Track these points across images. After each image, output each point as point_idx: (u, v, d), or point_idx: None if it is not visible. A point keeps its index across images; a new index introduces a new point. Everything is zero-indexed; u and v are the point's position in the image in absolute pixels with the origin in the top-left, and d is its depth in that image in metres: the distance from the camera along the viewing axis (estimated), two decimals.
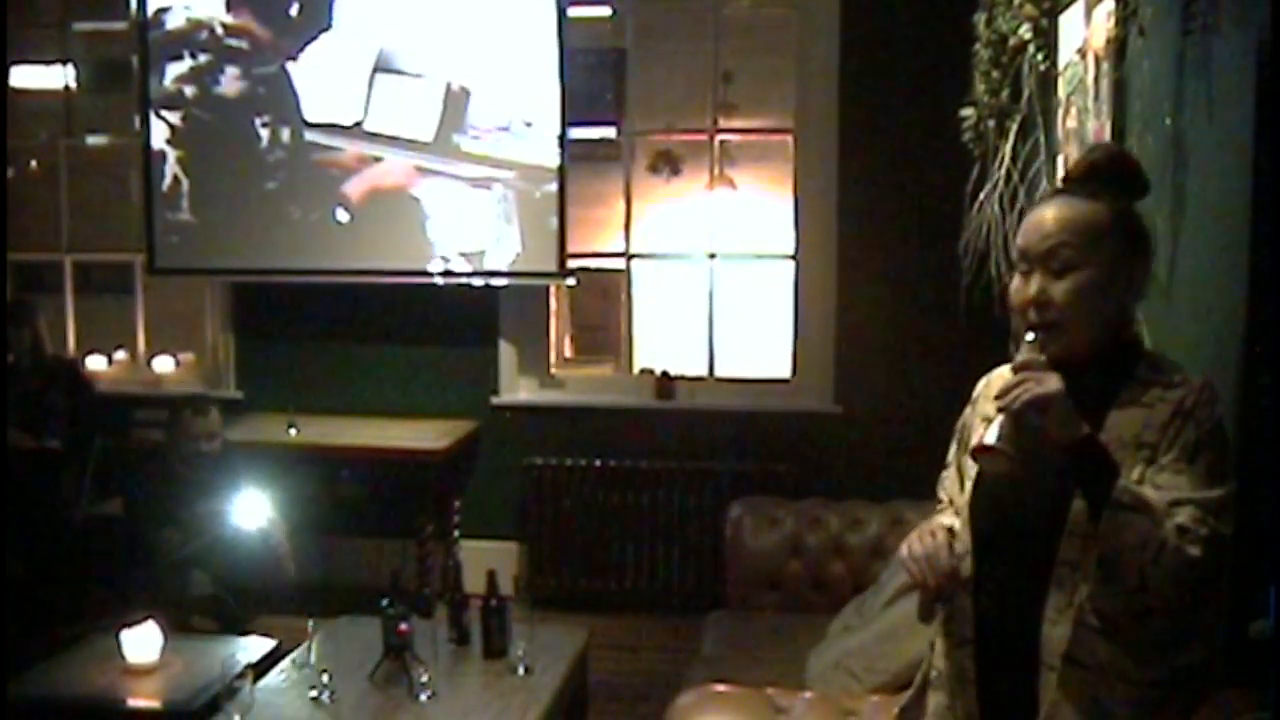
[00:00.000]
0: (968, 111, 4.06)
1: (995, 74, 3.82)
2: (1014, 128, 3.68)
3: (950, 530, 2.06)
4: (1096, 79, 2.90)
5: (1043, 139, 3.50)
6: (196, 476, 4.76)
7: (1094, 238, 1.91)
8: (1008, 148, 3.67)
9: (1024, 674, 1.92)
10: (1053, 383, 1.81)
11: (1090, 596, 1.84)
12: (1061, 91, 3.37)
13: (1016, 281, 1.98)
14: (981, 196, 3.83)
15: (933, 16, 5.23)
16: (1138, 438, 1.89)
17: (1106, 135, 2.77)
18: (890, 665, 3.03)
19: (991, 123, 3.87)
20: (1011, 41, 3.63)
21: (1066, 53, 3.29)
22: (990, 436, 1.84)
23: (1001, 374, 2.15)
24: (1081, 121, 3.08)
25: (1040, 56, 3.47)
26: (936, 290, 5.05)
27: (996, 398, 1.87)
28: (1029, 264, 1.95)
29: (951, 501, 2.20)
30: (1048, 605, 1.89)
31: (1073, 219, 1.93)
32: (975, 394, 2.22)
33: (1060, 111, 3.38)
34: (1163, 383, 1.92)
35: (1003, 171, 3.65)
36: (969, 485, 2.10)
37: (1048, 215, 1.95)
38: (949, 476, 2.24)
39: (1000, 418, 1.85)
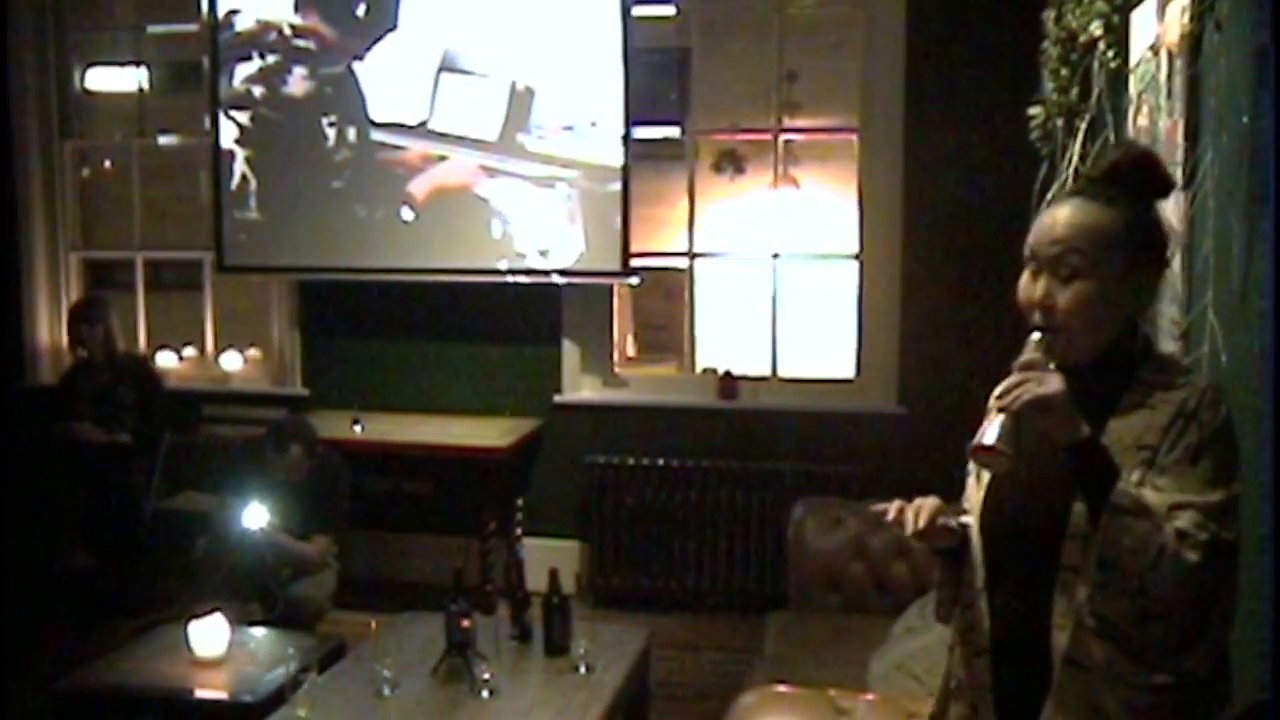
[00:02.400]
0: (1035, 110, 4.00)
1: (1064, 72, 3.77)
2: (1083, 126, 3.63)
3: (958, 521, 2.07)
4: (1170, 76, 2.85)
5: (1112, 137, 3.45)
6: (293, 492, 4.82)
7: (1105, 246, 1.87)
8: (1076, 146, 3.61)
9: (1037, 680, 1.90)
10: (1054, 383, 1.79)
11: (1089, 598, 1.82)
12: (1133, 89, 3.32)
13: (1025, 278, 1.95)
14: (1049, 196, 3.78)
15: (999, 14, 5.18)
16: (1139, 440, 1.86)
17: (1180, 133, 2.73)
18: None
19: (1060, 121, 3.82)
20: (1081, 38, 3.57)
21: (1138, 49, 3.24)
22: (989, 436, 1.82)
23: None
24: (1153, 120, 3.03)
25: (1111, 53, 3.42)
26: (1003, 290, 4.98)
27: (997, 396, 1.85)
28: (1037, 264, 1.93)
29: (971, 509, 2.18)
30: (1054, 610, 1.87)
31: (1085, 225, 1.88)
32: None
33: (1131, 109, 3.33)
34: (1165, 384, 1.89)
35: (1071, 170, 3.60)
36: (974, 489, 2.08)
37: (1060, 218, 1.91)
38: (970, 483, 2.21)
39: (1000, 417, 1.82)
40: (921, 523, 1.97)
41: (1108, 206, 1.89)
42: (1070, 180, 3.56)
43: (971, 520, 2.07)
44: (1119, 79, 3.46)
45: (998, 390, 1.85)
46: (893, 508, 2.01)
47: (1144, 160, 1.98)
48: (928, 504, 2.00)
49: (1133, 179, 1.93)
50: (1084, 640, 1.84)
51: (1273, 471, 2.25)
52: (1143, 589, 1.76)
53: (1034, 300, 1.92)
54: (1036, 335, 1.89)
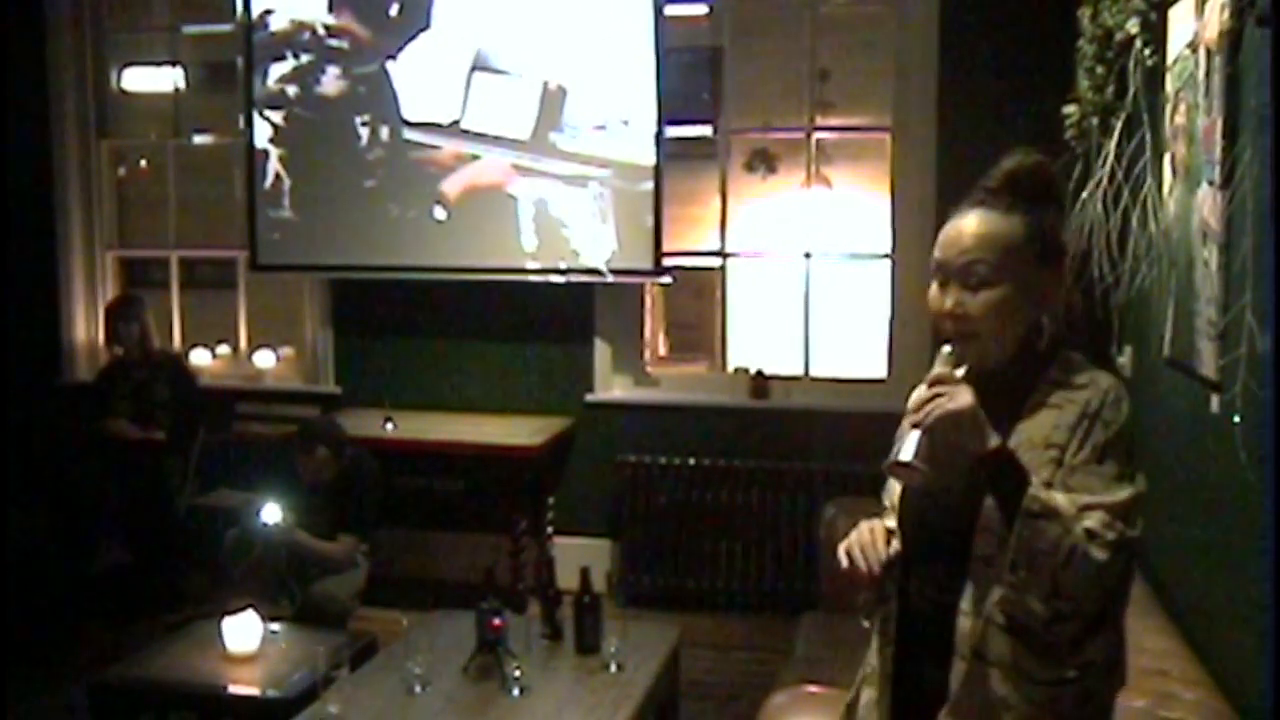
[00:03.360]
0: (1070, 108, 3.98)
1: (1100, 70, 3.74)
2: (1119, 125, 3.60)
3: (889, 530, 2.11)
4: (1208, 73, 2.82)
5: (1149, 136, 3.42)
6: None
7: (1009, 254, 1.95)
8: (1112, 145, 3.59)
9: (938, 667, 1.97)
10: (964, 397, 1.85)
11: (1001, 599, 1.88)
12: (1170, 87, 3.29)
13: (933, 290, 2.01)
14: (1084, 195, 3.75)
15: (1033, 11, 5.15)
16: (1047, 439, 1.92)
17: (1218, 131, 2.70)
18: None
19: (1095, 120, 3.79)
20: (1118, 36, 3.54)
21: (1176, 47, 3.21)
22: (906, 453, 1.87)
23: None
24: (1191, 118, 3.00)
25: (1148, 51, 3.39)
26: None
27: (910, 411, 1.90)
28: (945, 275, 1.99)
29: (892, 505, 2.21)
30: (962, 598, 1.94)
31: (989, 235, 1.96)
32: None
33: (1168, 108, 3.30)
34: (1071, 384, 1.96)
35: (1106, 170, 3.57)
36: (893, 489, 2.16)
37: (966, 229, 1.99)
38: (891, 481, 2.25)
39: (915, 433, 1.87)
40: (881, 560, 2.01)
41: (1008, 215, 1.98)
42: (1105, 179, 3.54)
43: (892, 522, 2.13)
44: (1155, 77, 3.43)
45: (910, 404, 1.91)
46: (841, 556, 2.05)
47: (1038, 169, 2.07)
48: (875, 536, 2.04)
49: (1028, 187, 2.02)
50: (993, 637, 1.90)
51: None
52: (1056, 591, 1.82)
53: (944, 310, 1.99)
54: (947, 349, 1.95)
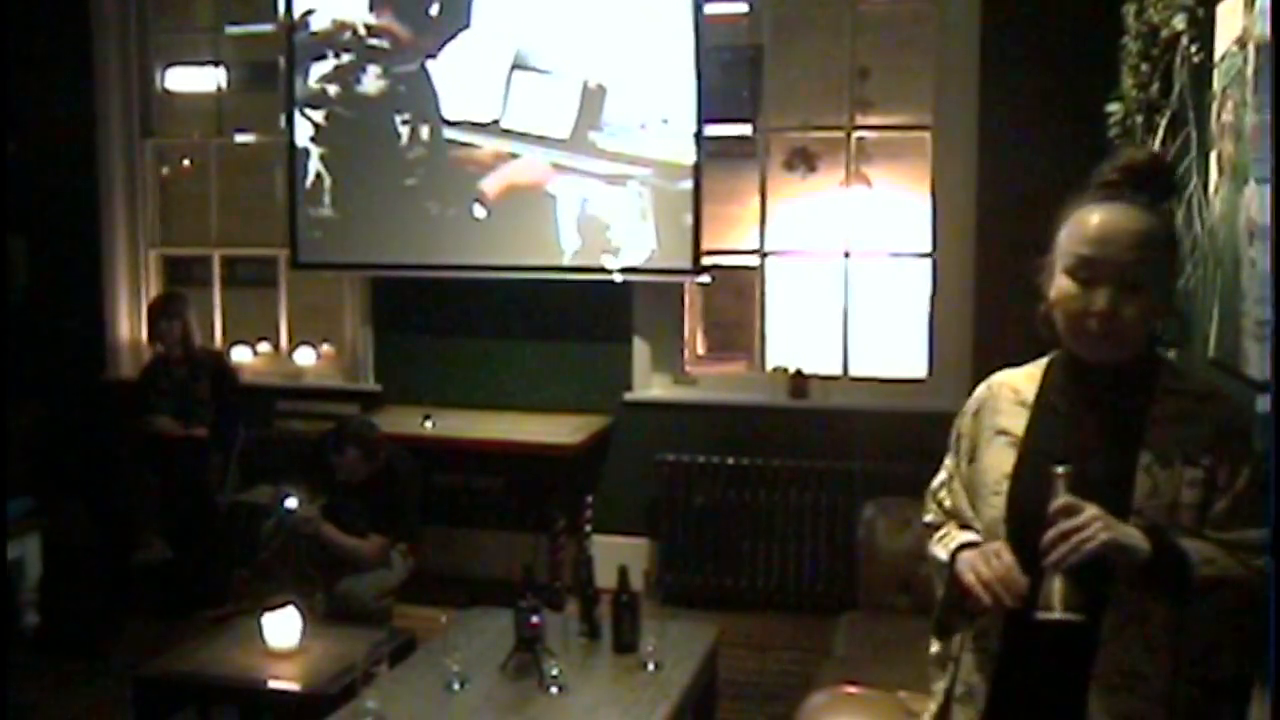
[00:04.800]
0: (1114, 106, 3.94)
1: (1144, 67, 3.70)
2: (1163, 123, 3.56)
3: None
4: (1257, 71, 2.79)
5: (1194, 134, 3.38)
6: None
7: (1157, 252, 1.88)
8: (1156, 143, 3.55)
9: (1070, 692, 1.88)
10: (1100, 534, 1.74)
11: (1183, 660, 1.81)
12: (1216, 84, 3.25)
13: (1071, 286, 1.92)
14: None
15: (1076, 8, 5.11)
16: (1186, 455, 1.84)
17: (1267, 129, 2.67)
18: None
19: (1139, 118, 3.76)
20: (1164, 33, 3.51)
21: (1224, 43, 3.17)
22: (1055, 609, 1.76)
23: (1006, 383, 2.12)
24: (1238, 115, 2.96)
25: (1195, 48, 3.35)
26: None
27: (1042, 552, 1.78)
28: (1094, 273, 1.88)
29: (951, 514, 2.13)
30: (1104, 623, 1.85)
31: (1147, 233, 1.88)
32: (975, 404, 2.17)
33: (1215, 105, 3.26)
34: (1189, 391, 1.90)
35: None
36: (992, 504, 2.01)
37: (1125, 227, 1.88)
38: (951, 490, 2.17)
39: (1058, 581, 1.77)
40: (1021, 593, 1.87)
41: (1150, 212, 1.90)
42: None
43: (975, 536, 2.03)
44: (1202, 74, 3.39)
45: (1044, 544, 1.79)
46: (980, 591, 1.91)
47: (1158, 163, 2.02)
48: (1009, 568, 1.89)
49: (1151, 182, 1.95)
50: (1142, 662, 1.83)
51: None
52: (1239, 640, 1.77)
53: (1094, 309, 1.88)
54: (1061, 469, 1.82)
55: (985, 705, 2.00)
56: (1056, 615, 1.76)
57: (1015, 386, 2.09)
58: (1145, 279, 1.86)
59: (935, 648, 2.13)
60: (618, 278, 5.81)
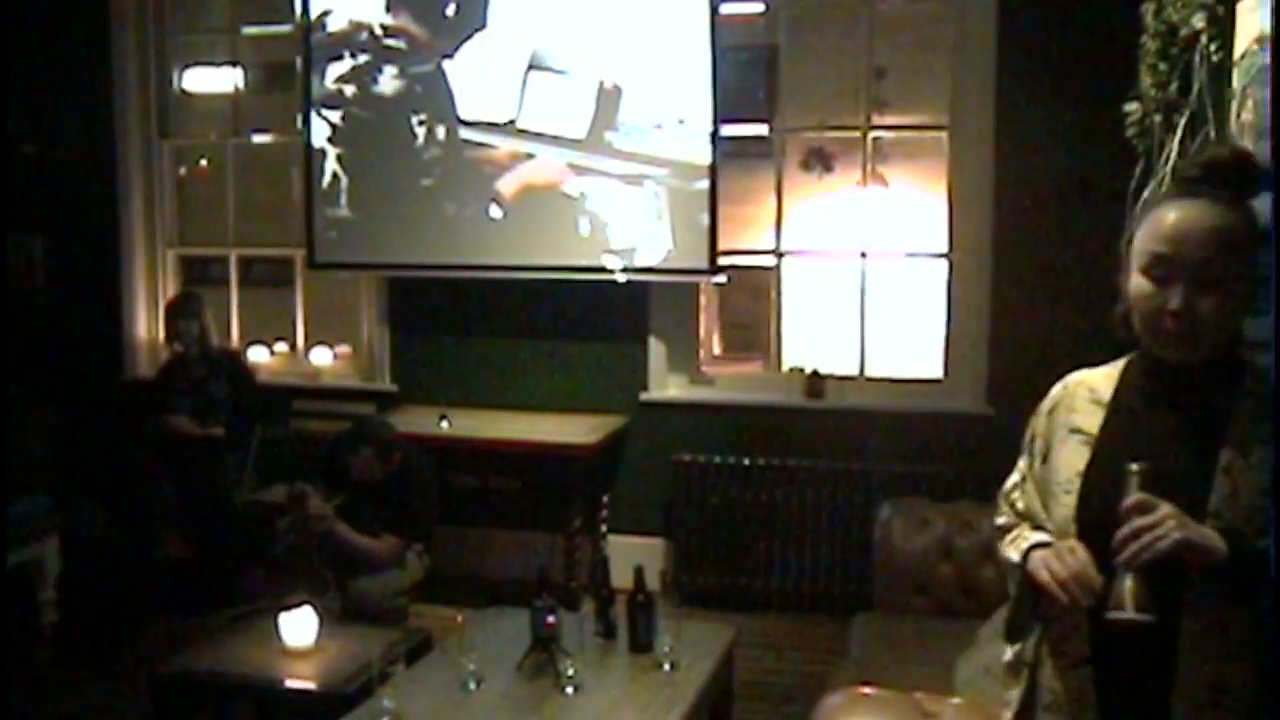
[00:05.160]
0: (1132, 106, 3.92)
1: (1163, 66, 3.68)
2: (1182, 122, 3.55)
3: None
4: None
5: (1213, 133, 3.36)
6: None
7: (1238, 250, 1.82)
8: (1175, 143, 3.53)
9: (1154, 697, 1.83)
10: (1173, 532, 1.70)
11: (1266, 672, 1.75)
12: (1236, 83, 3.23)
13: (1145, 285, 1.86)
14: (1146, 194, 3.70)
15: (1094, 8, 5.09)
16: (1267, 458, 1.78)
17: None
18: None
19: (1158, 117, 3.74)
20: (1183, 32, 3.49)
21: (1243, 42, 3.16)
22: (1127, 609, 1.72)
23: (1083, 381, 2.07)
24: (1259, 114, 2.95)
25: (1214, 46, 3.33)
26: (1095, 290, 4.90)
27: (1113, 551, 1.74)
28: (1170, 271, 1.83)
29: (1024, 516, 2.10)
30: (1183, 631, 1.79)
31: (1225, 229, 1.81)
32: (1050, 403, 2.13)
33: (1234, 104, 3.24)
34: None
35: (1169, 168, 3.52)
36: (1064, 503, 1.97)
37: (1201, 223, 1.82)
38: (1024, 491, 2.13)
39: (1128, 580, 1.72)
40: (1096, 593, 1.81)
41: (1230, 208, 1.83)
42: (1168, 177, 3.49)
43: (1048, 536, 1.98)
44: (1222, 72, 3.38)
45: (1116, 541, 1.75)
46: (1056, 591, 1.85)
47: (1244, 159, 1.91)
48: (1085, 567, 1.82)
49: (1235, 177, 1.87)
50: (1232, 673, 1.78)
51: None
52: None
53: (1169, 309, 1.82)
54: (1135, 466, 1.78)
55: (1074, 712, 1.94)
56: (1127, 615, 1.72)
57: (1092, 385, 2.04)
58: (1222, 276, 1.80)
59: (1008, 654, 2.07)
60: (621, 277, 5.81)
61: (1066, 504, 1.96)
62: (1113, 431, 1.97)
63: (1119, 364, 2.05)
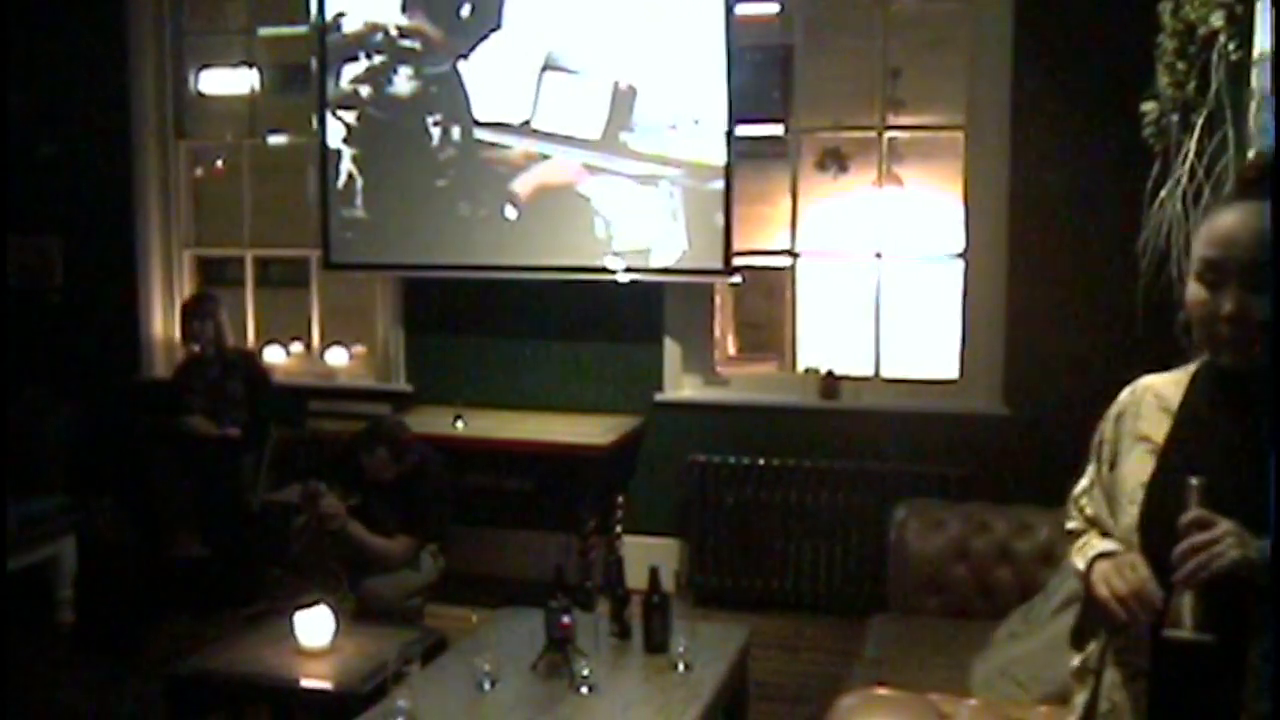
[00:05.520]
0: (1149, 105, 3.90)
1: (1181, 65, 3.67)
2: (1200, 122, 3.53)
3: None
4: None
5: (1231, 133, 3.35)
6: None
7: None
8: (1192, 143, 3.52)
9: (1202, 702, 1.80)
10: (1232, 549, 1.66)
11: None
12: (1255, 82, 3.22)
13: (1198, 291, 1.83)
14: (1162, 194, 3.69)
15: (1111, 7, 5.07)
16: None
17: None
18: (1058, 675, 2.93)
19: (1175, 117, 3.72)
20: (1201, 30, 3.47)
21: (1263, 40, 3.14)
22: (1183, 628, 1.68)
23: (1151, 387, 2.02)
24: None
25: (1233, 45, 3.32)
26: (1111, 291, 4.90)
27: (1172, 568, 1.70)
28: (1220, 275, 1.80)
29: (1092, 522, 2.07)
30: (1250, 651, 1.74)
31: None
32: (1118, 409, 2.07)
33: (1253, 104, 3.23)
34: None
35: (1186, 168, 3.51)
36: (1128, 513, 1.94)
37: (1249, 226, 1.79)
38: (1091, 497, 2.09)
39: (1188, 598, 1.69)
40: (1156, 610, 1.78)
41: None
42: (1185, 178, 3.48)
43: (1115, 544, 1.94)
44: (1240, 72, 3.36)
45: (1174, 558, 1.71)
46: (1115, 608, 1.82)
47: None
48: (1146, 582, 1.80)
49: None
50: None
51: None
52: None
53: (1222, 314, 1.79)
54: (1195, 480, 1.74)
55: None
56: (1185, 634, 1.69)
57: (1160, 392, 1.99)
58: (1276, 279, 1.75)
59: (1075, 660, 2.05)
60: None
61: (1131, 514, 1.93)
62: (1179, 441, 1.92)
63: (1189, 369, 1.99)
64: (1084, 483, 2.14)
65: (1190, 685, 1.83)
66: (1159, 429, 1.95)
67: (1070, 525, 2.12)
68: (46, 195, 6.84)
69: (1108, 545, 1.96)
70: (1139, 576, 1.80)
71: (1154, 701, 1.88)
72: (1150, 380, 2.05)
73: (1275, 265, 1.77)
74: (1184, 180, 3.49)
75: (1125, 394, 2.08)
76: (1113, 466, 2.03)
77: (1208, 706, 1.81)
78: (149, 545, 5.74)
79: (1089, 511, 2.08)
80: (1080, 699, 2.04)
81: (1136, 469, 1.95)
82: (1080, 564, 1.99)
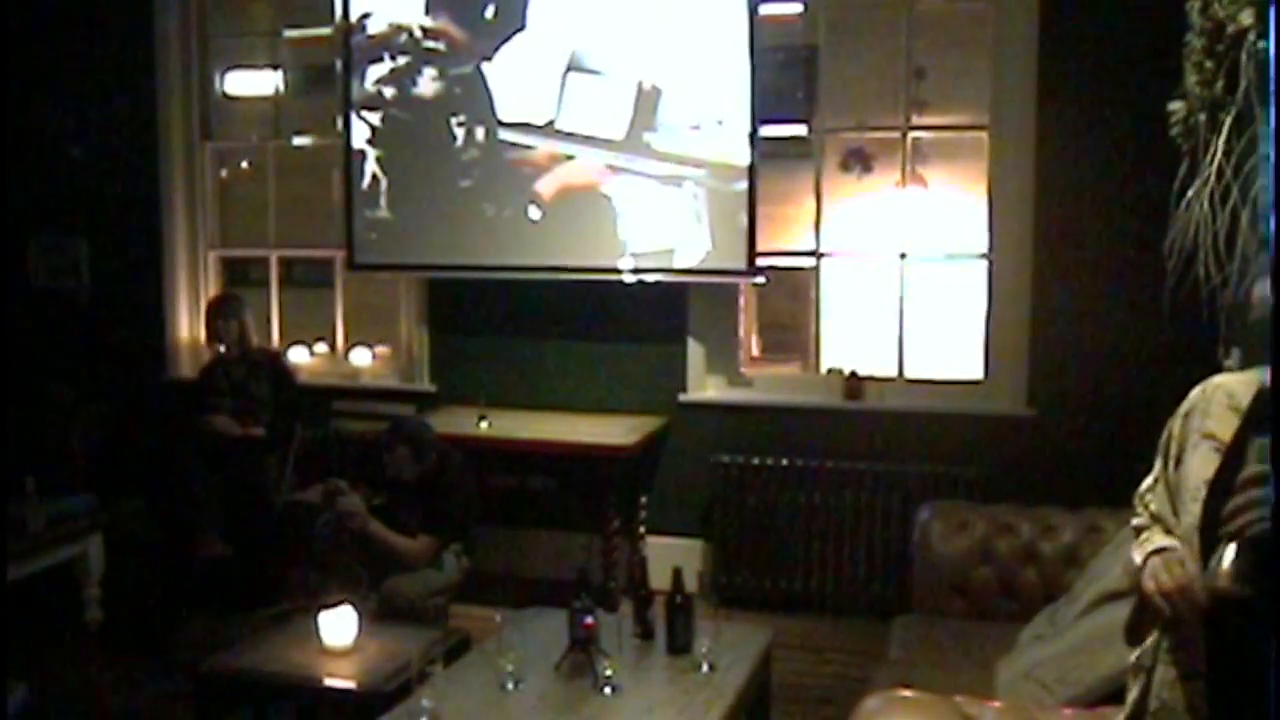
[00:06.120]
0: (1176, 105, 3.88)
1: (1209, 64, 3.64)
2: (1228, 121, 3.51)
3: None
4: None
5: (1261, 133, 3.33)
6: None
7: None
8: (1220, 142, 3.49)
9: (1256, 704, 1.72)
10: None
11: None
12: None
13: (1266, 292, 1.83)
14: (1190, 194, 3.67)
15: (1137, 5, 5.05)
16: None
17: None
18: (1084, 678, 2.93)
19: (1203, 116, 3.69)
20: (1230, 28, 3.45)
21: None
22: (1224, 575, 1.68)
23: (1222, 385, 2.00)
24: None
25: (1263, 43, 3.29)
26: (1137, 291, 4.88)
27: (1222, 520, 1.69)
28: None
29: (1156, 519, 2.06)
30: None
31: None
32: (1188, 406, 2.06)
33: None
34: None
35: (1214, 168, 3.48)
36: (1190, 510, 1.94)
37: None
38: (1155, 494, 2.09)
39: (1231, 549, 1.68)
40: (1200, 607, 1.79)
41: None
42: (1213, 177, 3.45)
43: (1175, 541, 1.93)
44: (1269, 70, 3.34)
45: (1226, 511, 1.72)
46: (1159, 603, 1.83)
47: None
48: (1193, 580, 1.80)
49: None
50: None
51: None
52: None
53: None
54: (1260, 440, 1.75)
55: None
56: (1222, 585, 1.69)
57: (1231, 391, 1.98)
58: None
59: (1130, 656, 2.04)
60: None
61: (1193, 512, 1.92)
62: (1245, 441, 1.91)
63: (1261, 371, 1.98)
64: (1149, 479, 2.13)
65: (1246, 686, 1.80)
66: (1227, 428, 1.95)
67: (1135, 522, 2.11)
68: (74, 197, 6.90)
69: (1167, 542, 1.95)
70: (1186, 574, 1.81)
71: (1202, 699, 1.86)
72: (1222, 379, 2.04)
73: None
74: (1212, 180, 3.47)
75: (1196, 392, 2.07)
76: (1178, 464, 2.02)
77: (1262, 709, 1.74)
78: (175, 544, 5.77)
79: (1153, 508, 2.07)
80: (1133, 695, 2.03)
81: (1201, 467, 1.94)
82: (1138, 558, 1.97)
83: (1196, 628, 1.86)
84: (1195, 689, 1.88)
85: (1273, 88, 2.14)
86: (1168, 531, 1.99)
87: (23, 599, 5.30)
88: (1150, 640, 1.98)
